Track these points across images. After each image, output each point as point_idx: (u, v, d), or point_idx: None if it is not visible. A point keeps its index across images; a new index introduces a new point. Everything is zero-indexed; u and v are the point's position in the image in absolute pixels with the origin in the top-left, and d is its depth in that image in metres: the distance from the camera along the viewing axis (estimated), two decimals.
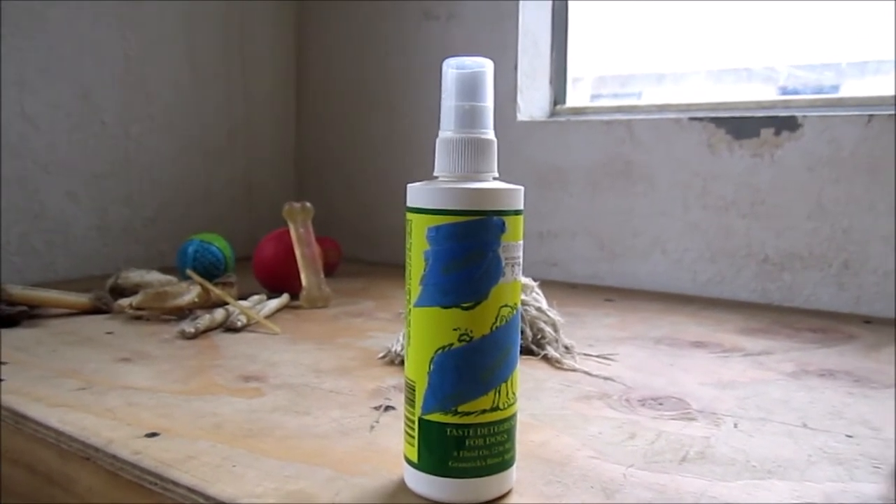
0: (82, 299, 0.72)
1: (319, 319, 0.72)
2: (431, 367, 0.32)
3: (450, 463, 0.33)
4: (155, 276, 0.79)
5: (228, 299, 0.70)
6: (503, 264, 0.32)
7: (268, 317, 0.70)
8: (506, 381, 0.33)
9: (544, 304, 0.61)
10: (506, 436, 0.33)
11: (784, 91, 0.97)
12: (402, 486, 0.35)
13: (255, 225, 1.12)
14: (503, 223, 0.32)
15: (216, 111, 1.11)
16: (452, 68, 0.33)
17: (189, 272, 0.73)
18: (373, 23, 1.12)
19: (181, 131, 1.06)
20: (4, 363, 0.54)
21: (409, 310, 0.34)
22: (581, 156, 0.94)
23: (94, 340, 0.62)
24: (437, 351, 0.32)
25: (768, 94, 0.98)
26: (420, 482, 0.33)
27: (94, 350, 0.59)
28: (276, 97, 1.20)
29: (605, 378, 0.53)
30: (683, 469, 0.37)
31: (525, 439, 0.40)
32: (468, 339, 0.32)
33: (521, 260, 0.34)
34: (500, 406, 0.33)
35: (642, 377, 0.53)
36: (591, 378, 0.53)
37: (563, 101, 1.03)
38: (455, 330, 0.32)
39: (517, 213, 0.33)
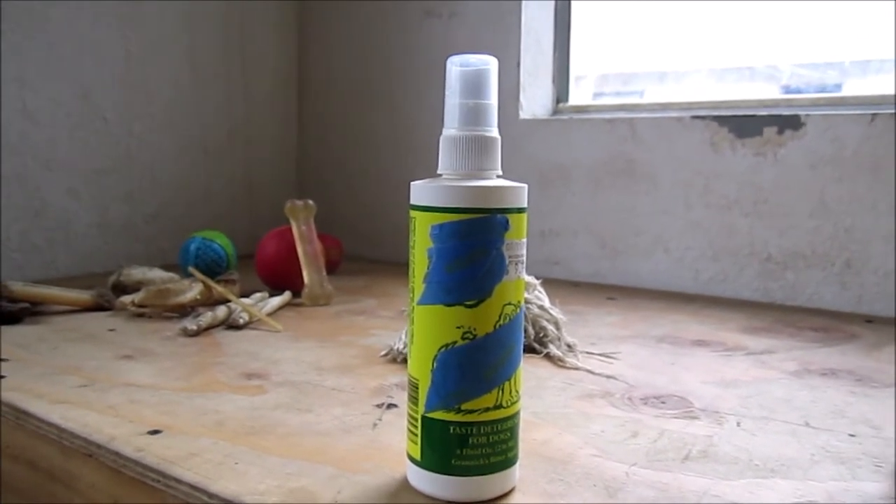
0: (84, 296, 0.72)
1: (321, 317, 0.72)
2: (435, 364, 0.32)
3: (453, 461, 0.32)
4: (157, 274, 0.79)
5: (230, 297, 0.70)
6: (507, 262, 0.32)
7: (270, 314, 0.70)
8: (509, 380, 0.33)
9: (546, 303, 0.61)
10: (509, 434, 0.33)
11: (787, 90, 0.97)
12: (404, 484, 0.35)
13: (255, 224, 1.12)
14: (507, 221, 0.32)
15: (217, 110, 1.10)
16: (457, 66, 0.33)
17: (191, 269, 0.73)
18: (374, 21, 1.12)
19: (182, 130, 1.06)
20: (6, 360, 0.54)
21: (413, 307, 0.34)
22: (583, 154, 0.94)
23: (96, 337, 0.62)
24: (440, 349, 0.32)
25: (771, 92, 0.98)
26: (423, 480, 0.33)
27: (96, 347, 0.59)
28: (277, 96, 1.20)
29: (608, 376, 0.53)
30: (686, 468, 0.37)
31: (528, 437, 0.40)
32: (471, 336, 0.32)
33: (524, 258, 0.34)
34: (504, 404, 0.33)
35: (645, 376, 0.53)
36: (593, 376, 0.53)
37: (566, 100, 1.02)
38: (458, 328, 0.32)
39: (521, 210, 0.33)
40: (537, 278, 0.63)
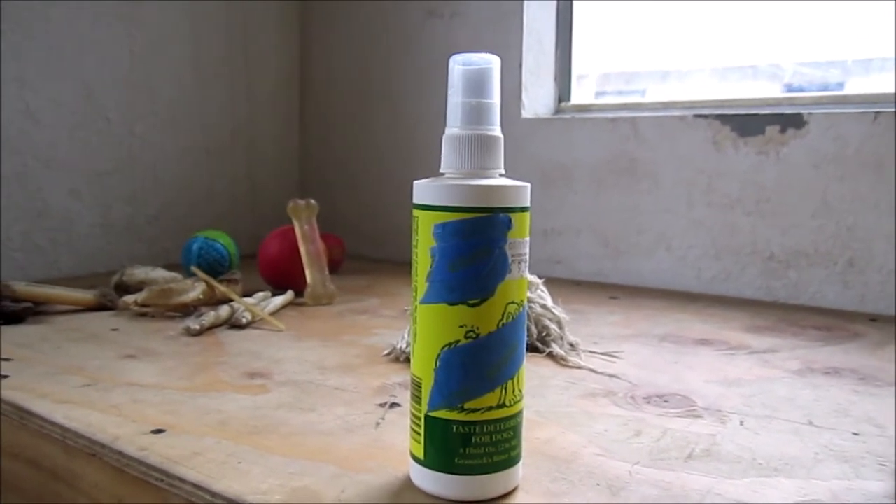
0: (87, 296, 0.72)
1: (324, 316, 0.72)
2: (438, 363, 0.32)
3: (456, 460, 0.32)
4: (160, 273, 0.79)
5: (233, 296, 0.70)
6: (510, 261, 0.32)
7: (272, 314, 0.70)
8: (512, 378, 0.33)
9: (549, 302, 0.61)
10: (512, 433, 0.33)
11: (789, 88, 0.97)
12: (407, 483, 0.35)
13: (258, 224, 1.12)
14: (510, 220, 0.32)
15: (219, 110, 1.11)
16: (459, 65, 0.33)
17: (194, 269, 0.74)
18: (376, 21, 1.12)
19: (185, 130, 1.06)
20: (10, 360, 0.54)
21: (416, 306, 0.33)
22: (586, 153, 0.94)
23: (99, 337, 0.62)
24: (443, 348, 0.32)
25: (774, 91, 0.98)
26: (426, 479, 0.33)
27: (99, 347, 0.59)
28: (280, 96, 1.20)
29: (611, 375, 0.53)
30: (689, 466, 0.37)
31: (531, 436, 0.40)
32: (475, 335, 0.32)
33: (527, 257, 0.34)
34: (507, 403, 0.33)
35: (647, 374, 0.53)
36: (596, 375, 0.53)
37: (568, 99, 1.02)
38: (461, 327, 0.32)
39: (524, 209, 0.33)
40: (540, 277, 0.63)
